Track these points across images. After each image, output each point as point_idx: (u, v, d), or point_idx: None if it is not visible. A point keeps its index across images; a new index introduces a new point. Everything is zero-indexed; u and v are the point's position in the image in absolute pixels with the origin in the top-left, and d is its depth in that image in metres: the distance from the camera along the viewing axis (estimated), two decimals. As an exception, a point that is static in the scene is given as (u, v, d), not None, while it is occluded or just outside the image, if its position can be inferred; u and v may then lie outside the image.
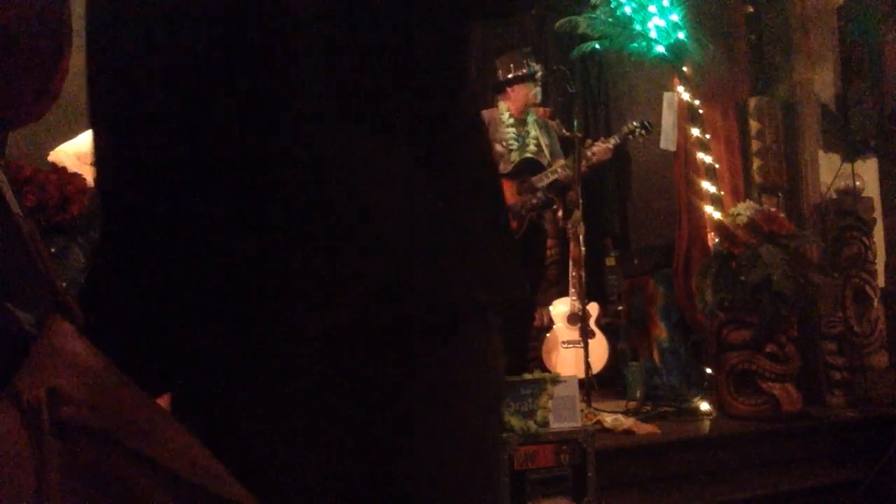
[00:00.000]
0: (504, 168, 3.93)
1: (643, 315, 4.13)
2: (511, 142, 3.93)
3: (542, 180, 3.86)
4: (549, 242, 4.68)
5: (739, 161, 3.91)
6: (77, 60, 0.77)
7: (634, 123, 4.02)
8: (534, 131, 4.00)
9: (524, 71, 3.94)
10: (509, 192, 3.87)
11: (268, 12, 0.66)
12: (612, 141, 4.00)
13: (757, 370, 3.17)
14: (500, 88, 4.06)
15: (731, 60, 3.97)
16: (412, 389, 0.66)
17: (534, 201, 3.83)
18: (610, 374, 4.43)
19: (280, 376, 0.67)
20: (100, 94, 0.75)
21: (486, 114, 4.00)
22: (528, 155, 3.95)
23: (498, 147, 3.94)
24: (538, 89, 3.98)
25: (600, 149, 3.91)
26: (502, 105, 4.01)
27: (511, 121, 3.96)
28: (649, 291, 4.08)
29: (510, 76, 4.00)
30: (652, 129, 4.01)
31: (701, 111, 3.89)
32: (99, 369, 0.56)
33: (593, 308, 4.50)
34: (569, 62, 4.62)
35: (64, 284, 0.59)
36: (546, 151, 3.97)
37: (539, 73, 3.97)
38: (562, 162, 3.94)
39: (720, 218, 3.59)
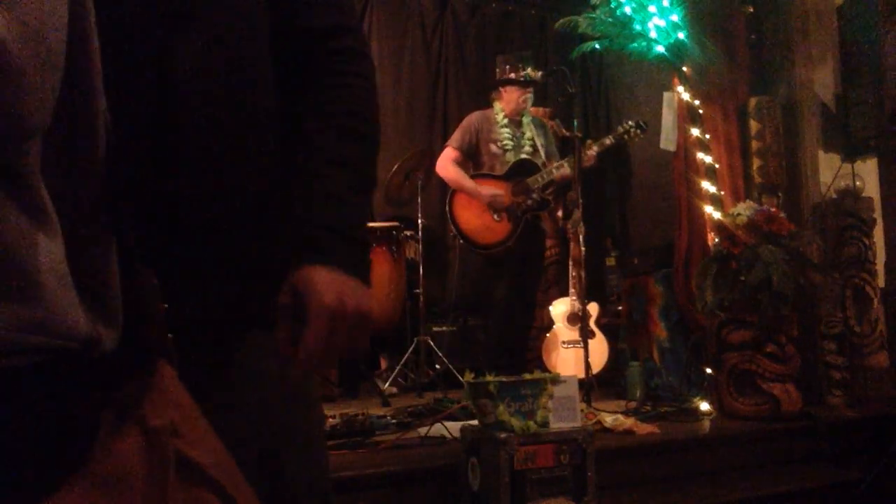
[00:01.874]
0: (500, 169, 3.92)
1: (643, 315, 4.13)
2: (506, 142, 3.93)
3: (537, 181, 3.86)
4: (550, 242, 4.69)
5: (739, 161, 3.91)
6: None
7: (630, 123, 4.03)
8: (529, 132, 4.00)
9: (517, 75, 3.95)
10: (504, 193, 3.87)
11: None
12: (608, 141, 4.00)
13: (757, 370, 3.17)
14: (494, 87, 4.07)
15: (731, 60, 3.96)
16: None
17: (528, 202, 3.83)
18: (610, 374, 4.43)
19: None
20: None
21: (480, 115, 4.01)
22: (523, 156, 3.95)
23: (493, 147, 3.94)
24: (529, 96, 3.98)
25: (585, 156, 3.90)
26: (497, 105, 4.02)
27: (505, 121, 3.96)
28: (649, 291, 4.08)
29: (503, 77, 4.02)
30: (647, 128, 4.01)
31: (701, 111, 3.89)
32: (195, 411, 0.63)
33: (593, 308, 4.50)
34: (569, 62, 4.62)
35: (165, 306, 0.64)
36: (542, 152, 3.97)
37: (535, 79, 3.97)
38: (557, 163, 3.94)
39: (720, 218, 3.58)
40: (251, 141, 0.90)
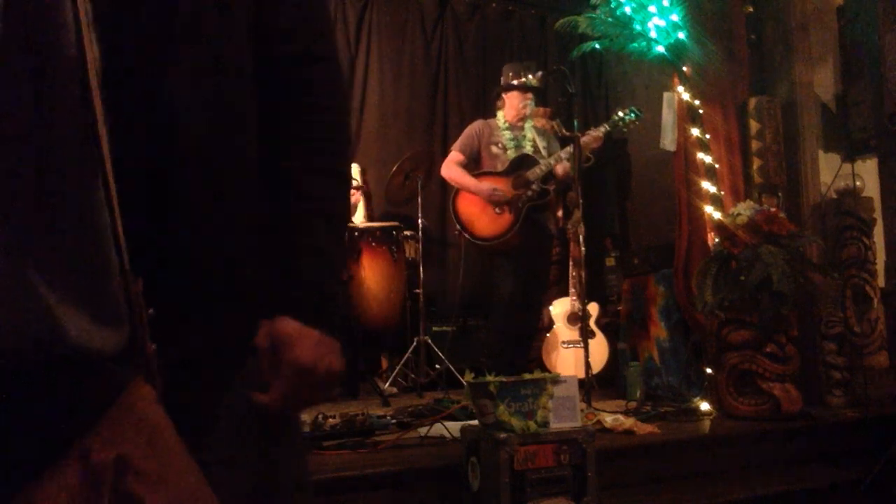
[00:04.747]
0: (501, 168, 3.95)
1: (643, 315, 4.13)
2: (508, 142, 3.98)
3: (536, 173, 3.88)
4: (550, 242, 4.69)
5: (739, 161, 3.91)
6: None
7: (624, 111, 4.03)
8: (530, 134, 4.05)
9: (517, 81, 4.01)
10: (505, 187, 3.89)
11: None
12: (603, 129, 4.00)
13: (757, 370, 3.17)
14: (498, 96, 4.13)
15: (731, 60, 3.96)
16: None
17: (529, 193, 3.85)
18: (610, 374, 4.43)
19: None
20: None
21: (482, 122, 4.07)
22: (524, 152, 3.99)
23: (494, 149, 3.98)
24: (529, 101, 4.01)
25: (590, 137, 3.91)
26: (500, 114, 4.10)
27: (507, 125, 4.02)
28: (649, 291, 4.08)
29: (505, 84, 4.07)
30: (642, 115, 4.01)
31: (701, 111, 3.89)
32: (167, 440, 0.56)
33: (593, 308, 4.50)
34: (569, 62, 4.62)
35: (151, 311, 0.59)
36: (543, 152, 4.00)
37: (535, 84, 4.00)
38: (555, 154, 3.95)
39: (720, 218, 3.58)
40: (241, 172, 0.91)
